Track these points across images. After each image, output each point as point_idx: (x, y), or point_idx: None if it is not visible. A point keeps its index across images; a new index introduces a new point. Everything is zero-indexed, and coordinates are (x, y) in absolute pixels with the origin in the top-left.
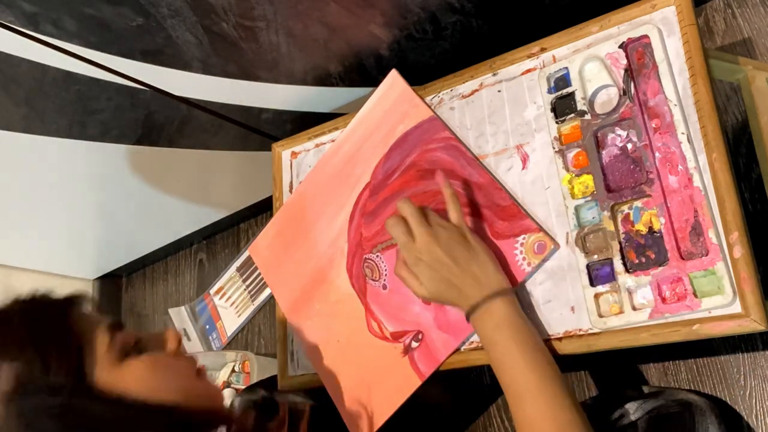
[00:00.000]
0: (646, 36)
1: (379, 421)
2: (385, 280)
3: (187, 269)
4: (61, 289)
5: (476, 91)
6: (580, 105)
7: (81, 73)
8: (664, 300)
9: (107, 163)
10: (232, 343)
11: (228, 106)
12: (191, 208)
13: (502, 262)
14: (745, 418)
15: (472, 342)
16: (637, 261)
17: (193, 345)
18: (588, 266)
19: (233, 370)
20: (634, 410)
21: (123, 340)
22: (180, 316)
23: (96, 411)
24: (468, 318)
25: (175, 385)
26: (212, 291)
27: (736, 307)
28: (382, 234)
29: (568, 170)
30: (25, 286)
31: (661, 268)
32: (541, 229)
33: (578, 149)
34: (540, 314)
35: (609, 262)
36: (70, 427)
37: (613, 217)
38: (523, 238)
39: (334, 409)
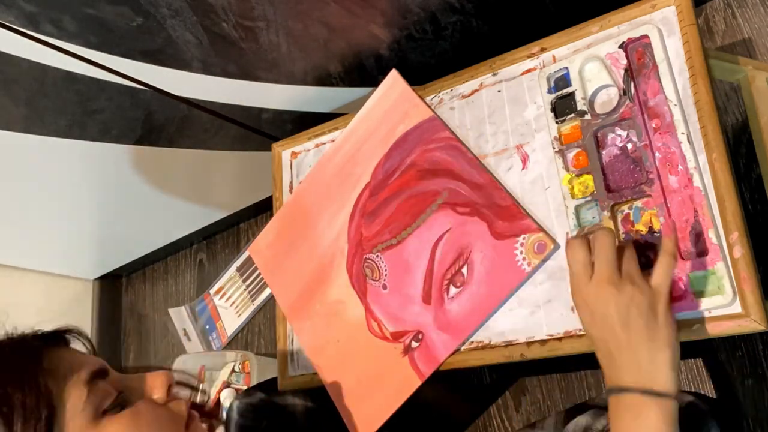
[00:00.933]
0: (646, 36)
1: (379, 421)
2: (385, 280)
3: (187, 269)
4: (62, 290)
5: (476, 91)
6: (580, 105)
7: (81, 73)
8: None
9: (107, 163)
10: (232, 343)
11: (228, 106)
12: (191, 208)
13: (503, 263)
14: (745, 418)
15: (472, 342)
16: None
17: (193, 345)
18: None
19: (233, 370)
20: None
21: (102, 394)
22: (180, 316)
23: None
24: (606, 393)
25: None
26: (212, 291)
27: (736, 307)
28: (382, 234)
29: (568, 170)
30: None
31: None
32: (541, 229)
33: (578, 149)
34: (540, 314)
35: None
36: None
37: (613, 217)
38: (523, 238)
39: (334, 409)
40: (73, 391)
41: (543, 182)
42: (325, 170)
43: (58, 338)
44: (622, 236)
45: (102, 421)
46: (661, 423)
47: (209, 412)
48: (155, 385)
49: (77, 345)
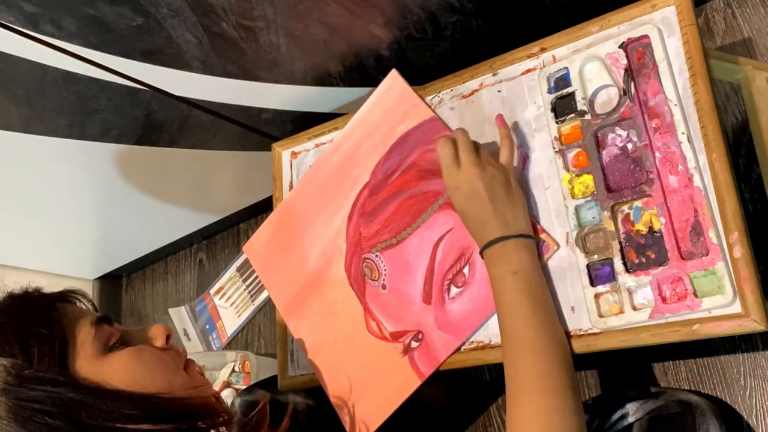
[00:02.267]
0: (646, 36)
1: (379, 421)
2: (384, 279)
3: (187, 269)
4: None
5: (476, 91)
6: (580, 105)
7: (81, 73)
8: (664, 300)
9: (107, 163)
10: (232, 343)
11: (228, 106)
12: (191, 208)
13: None
14: (745, 418)
15: (472, 342)
16: (637, 261)
17: (193, 345)
18: (588, 266)
19: (233, 370)
20: (634, 411)
21: (107, 333)
22: (180, 316)
23: (79, 400)
24: (482, 253)
25: (158, 375)
26: (212, 291)
27: (736, 307)
28: (381, 234)
29: (568, 170)
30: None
31: (661, 268)
32: (541, 229)
33: (578, 149)
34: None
35: (609, 262)
36: (56, 416)
37: (614, 217)
38: None
39: (333, 409)
40: (82, 328)
41: (543, 182)
42: (323, 169)
43: (66, 295)
44: (622, 236)
45: (108, 355)
46: (529, 258)
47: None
48: (156, 335)
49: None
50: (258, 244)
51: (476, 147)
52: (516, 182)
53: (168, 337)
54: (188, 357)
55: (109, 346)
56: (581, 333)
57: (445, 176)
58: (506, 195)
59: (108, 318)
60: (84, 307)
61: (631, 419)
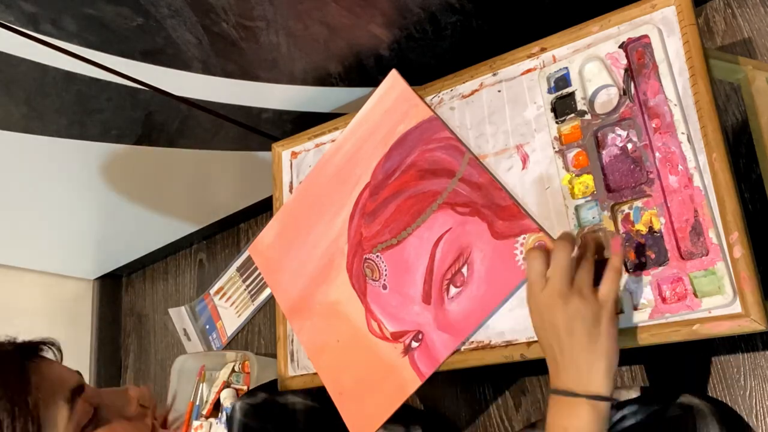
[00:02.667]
0: (646, 36)
1: (379, 420)
2: (385, 280)
3: (187, 269)
4: (62, 290)
5: (476, 91)
6: (580, 105)
7: (81, 73)
8: (664, 300)
9: (107, 163)
10: (232, 343)
11: (228, 106)
12: (191, 208)
13: (503, 262)
14: (745, 418)
15: (472, 342)
16: (637, 261)
17: (193, 345)
18: None
19: (233, 370)
20: (634, 412)
21: (81, 412)
22: (180, 316)
23: None
24: (550, 392)
25: None
26: (212, 291)
27: (736, 307)
28: (382, 234)
29: (568, 170)
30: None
31: (661, 268)
32: (541, 229)
33: (578, 149)
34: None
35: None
36: None
37: (614, 217)
38: (523, 238)
39: (334, 409)
40: (58, 410)
41: (543, 182)
42: (325, 170)
43: (35, 350)
44: (623, 236)
45: None
46: (593, 421)
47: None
48: (127, 403)
49: (49, 354)
50: (263, 245)
51: (574, 268)
52: (609, 325)
53: (139, 400)
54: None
55: (82, 427)
56: None
57: (527, 293)
58: (588, 339)
59: (81, 387)
60: (55, 359)
61: (631, 421)
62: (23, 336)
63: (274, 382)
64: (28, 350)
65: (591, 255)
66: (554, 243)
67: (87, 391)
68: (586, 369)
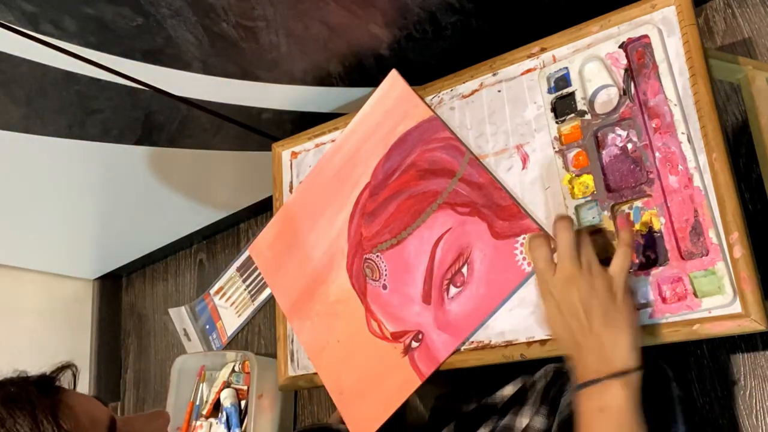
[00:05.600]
0: (646, 36)
1: (380, 420)
2: (385, 280)
3: (187, 269)
4: (62, 290)
5: (476, 91)
6: (580, 105)
7: (81, 73)
8: (664, 300)
9: (107, 163)
10: (232, 343)
11: (228, 106)
12: (191, 208)
13: (503, 262)
14: (746, 418)
15: (472, 342)
16: (637, 261)
17: (193, 345)
18: None
19: (233, 370)
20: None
21: None
22: (180, 316)
23: None
24: (576, 386)
25: None
26: (212, 291)
27: (736, 307)
28: (382, 234)
29: (568, 170)
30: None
31: (661, 268)
32: (541, 229)
33: (578, 149)
34: (540, 314)
35: (609, 262)
36: None
37: (614, 217)
38: (523, 238)
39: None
40: None
41: (543, 182)
42: (325, 170)
43: (53, 382)
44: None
45: None
46: (625, 401)
47: None
48: (159, 427)
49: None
50: (263, 245)
51: (582, 243)
52: (624, 295)
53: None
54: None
55: None
56: None
57: (538, 281)
58: (607, 312)
59: (113, 424)
60: (82, 395)
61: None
62: (23, 335)
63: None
64: (46, 386)
65: (587, 231)
66: (554, 225)
67: (119, 424)
68: (611, 346)
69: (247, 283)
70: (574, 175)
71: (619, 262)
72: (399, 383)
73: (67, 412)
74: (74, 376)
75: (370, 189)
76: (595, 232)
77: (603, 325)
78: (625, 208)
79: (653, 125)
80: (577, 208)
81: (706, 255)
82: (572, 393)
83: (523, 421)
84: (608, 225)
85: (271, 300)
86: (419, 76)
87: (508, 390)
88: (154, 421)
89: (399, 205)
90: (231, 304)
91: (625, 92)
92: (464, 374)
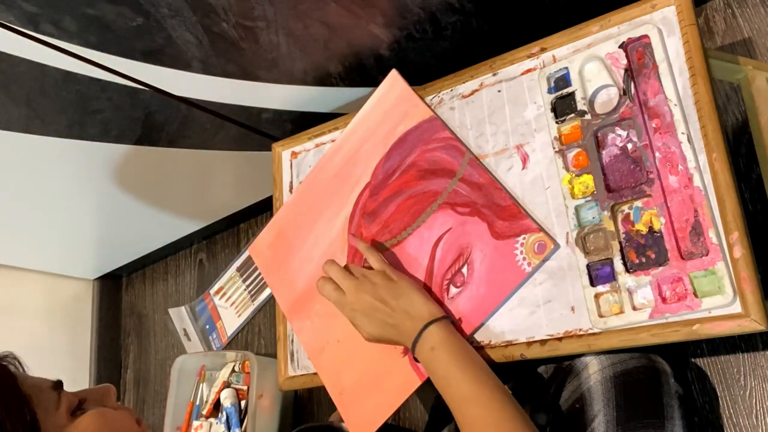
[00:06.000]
0: (646, 36)
1: (379, 420)
2: None
3: (187, 269)
4: (62, 290)
5: (476, 91)
6: (580, 105)
7: (81, 73)
8: (664, 300)
9: (107, 163)
10: (232, 343)
11: (228, 106)
12: (191, 208)
13: (503, 262)
14: (746, 417)
15: (472, 342)
16: (637, 261)
17: (193, 345)
18: (588, 266)
19: (233, 370)
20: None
21: (68, 399)
22: (180, 316)
23: None
24: (413, 353)
25: None
26: (212, 291)
27: (736, 307)
28: (382, 234)
29: (568, 170)
30: (25, 286)
31: (661, 268)
32: (541, 229)
33: (578, 149)
34: (540, 314)
35: (609, 262)
36: None
37: (614, 217)
38: (523, 238)
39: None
40: (46, 395)
41: (543, 182)
42: (325, 170)
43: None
44: (622, 236)
45: (74, 420)
46: (445, 334)
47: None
48: (109, 393)
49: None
50: (263, 245)
51: (349, 269)
52: (396, 274)
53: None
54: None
55: (72, 411)
56: (581, 333)
57: (341, 310)
58: (393, 290)
59: (59, 383)
60: (20, 370)
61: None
62: (23, 335)
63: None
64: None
65: (334, 262)
66: (324, 267)
67: (65, 387)
68: (411, 308)
69: (247, 283)
70: (574, 175)
71: (371, 258)
72: (399, 383)
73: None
74: (21, 367)
75: (370, 189)
76: (594, 231)
77: (397, 298)
78: (625, 208)
79: (653, 125)
80: (577, 208)
81: (706, 255)
82: (412, 355)
83: None
84: (608, 225)
85: (271, 300)
86: (419, 76)
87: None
88: (103, 389)
89: (399, 205)
90: (231, 304)
91: (625, 92)
92: None
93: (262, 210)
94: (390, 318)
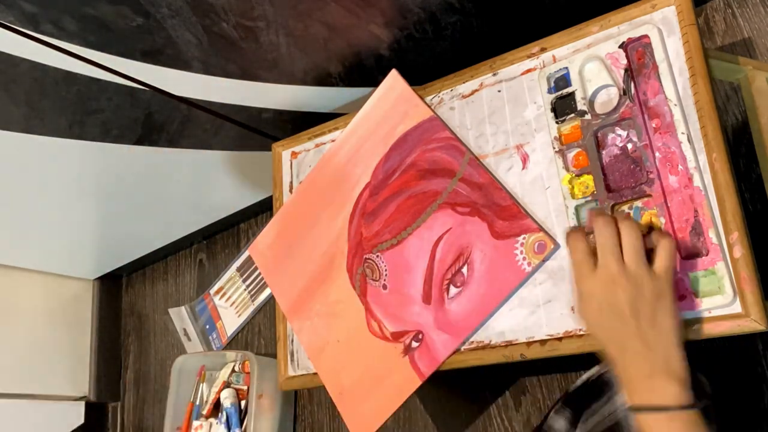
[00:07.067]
0: (646, 36)
1: (379, 420)
2: (385, 280)
3: (187, 269)
4: (62, 290)
5: (476, 91)
6: (580, 105)
7: (81, 73)
8: None
9: (107, 163)
10: (232, 343)
11: (228, 106)
12: (191, 207)
13: (503, 262)
14: (745, 418)
15: (472, 342)
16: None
17: (193, 345)
18: None
19: (233, 370)
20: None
21: None
22: (180, 316)
23: None
24: (630, 401)
25: None
26: (212, 291)
27: (736, 307)
28: (382, 234)
29: (568, 170)
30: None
31: None
32: (541, 228)
33: (578, 149)
34: (540, 314)
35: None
36: None
37: None
38: (523, 238)
39: None
40: None
41: (543, 182)
42: (325, 170)
43: None
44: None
45: None
46: (681, 399)
47: None
48: None
49: None
50: (263, 245)
51: (620, 244)
52: (671, 300)
53: None
54: None
55: None
56: (581, 333)
57: (575, 274)
58: (653, 314)
59: None
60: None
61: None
62: (23, 335)
63: None
64: None
65: (636, 225)
66: (595, 221)
67: None
68: (660, 348)
69: (247, 283)
70: (574, 175)
71: (666, 259)
72: (399, 383)
73: None
74: None
75: (370, 189)
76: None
77: (649, 327)
78: (625, 208)
79: (653, 125)
80: (577, 208)
81: (706, 255)
82: (630, 409)
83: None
84: None
85: (271, 300)
86: (419, 76)
87: None
88: None
89: (399, 205)
90: (231, 304)
91: (625, 92)
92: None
93: (262, 210)
94: (627, 337)
